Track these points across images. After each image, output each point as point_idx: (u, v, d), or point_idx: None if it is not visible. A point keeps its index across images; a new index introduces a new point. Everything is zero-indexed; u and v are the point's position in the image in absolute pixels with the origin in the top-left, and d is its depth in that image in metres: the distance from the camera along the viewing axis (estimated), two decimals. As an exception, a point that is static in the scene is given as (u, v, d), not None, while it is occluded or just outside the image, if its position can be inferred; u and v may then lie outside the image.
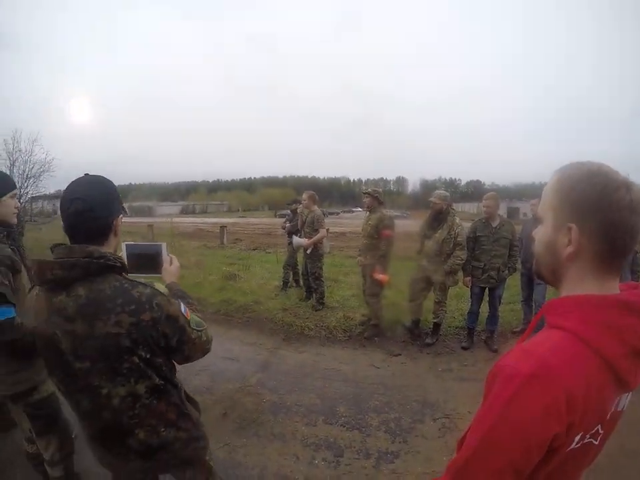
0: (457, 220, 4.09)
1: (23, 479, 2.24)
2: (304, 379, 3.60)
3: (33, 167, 16.85)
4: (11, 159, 16.37)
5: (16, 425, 2.22)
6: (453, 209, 4.24)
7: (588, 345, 0.63)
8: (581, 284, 0.69)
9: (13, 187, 1.80)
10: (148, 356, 1.11)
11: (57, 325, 1.05)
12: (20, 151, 16.51)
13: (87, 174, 1.15)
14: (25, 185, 16.19)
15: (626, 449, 2.29)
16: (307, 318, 5.05)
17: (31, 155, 16.70)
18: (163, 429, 1.23)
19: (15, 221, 1.81)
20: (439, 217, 4.13)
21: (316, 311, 5.27)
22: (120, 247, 1.31)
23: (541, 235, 0.75)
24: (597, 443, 0.69)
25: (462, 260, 4.04)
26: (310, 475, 2.36)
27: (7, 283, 1.58)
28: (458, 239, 4.00)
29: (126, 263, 1.20)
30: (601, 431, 0.68)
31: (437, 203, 4.10)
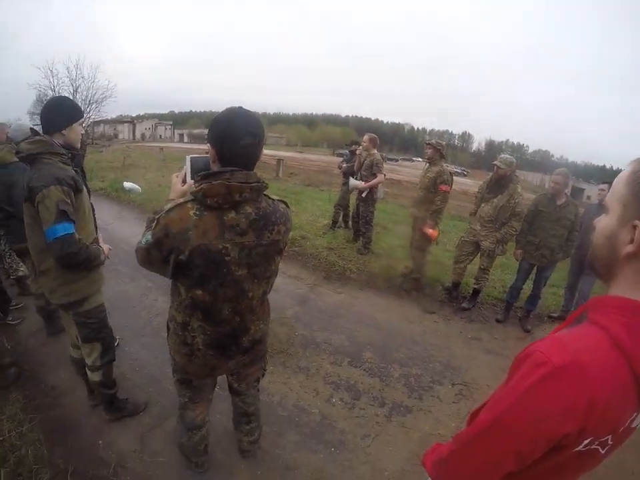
0: (519, 189, 3.80)
1: (66, 380, 2.52)
2: (337, 319, 3.69)
3: (95, 93, 17.37)
4: (74, 85, 16.90)
5: (64, 330, 2.45)
6: (517, 176, 3.93)
7: (622, 352, 0.61)
8: (633, 286, 0.65)
9: (82, 115, 1.95)
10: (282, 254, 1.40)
11: (229, 239, 1.21)
12: (83, 77, 16.98)
13: (241, 107, 1.23)
14: (88, 109, 16.83)
15: (625, 469, 2.16)
16: (350, 260, 5.09)
17: (93, 82, 17.15)
18: (262, 323, 1.49)
19: (79, 145, 1.98)
20: (500, 182, 3.85)
21: (360, 254, 5.29)
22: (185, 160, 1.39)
23: (602, 225, 0.70)
24: (603, 452, 0.68)
25: (516, 231, 3.82)
26: (325, 412, 2.49)
27: (69, 201, 1.71)
28: (516, 209, 3.75)
29: (190, 174, 1.32)
30: (610, 442, 0.67)
31: (502, 168, 3.80)
